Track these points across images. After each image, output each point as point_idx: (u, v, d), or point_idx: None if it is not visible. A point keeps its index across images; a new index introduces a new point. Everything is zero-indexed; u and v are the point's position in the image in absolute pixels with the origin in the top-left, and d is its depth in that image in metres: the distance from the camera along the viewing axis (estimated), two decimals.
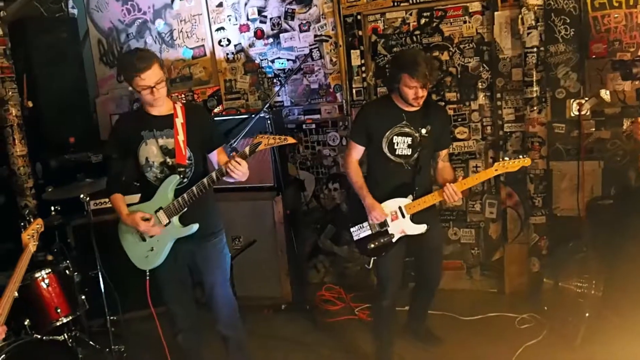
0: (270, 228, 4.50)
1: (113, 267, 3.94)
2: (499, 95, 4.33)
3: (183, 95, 5.18)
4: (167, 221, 3.02)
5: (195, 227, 3.01)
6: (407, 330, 3.91)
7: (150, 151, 3.01)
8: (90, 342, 3.96)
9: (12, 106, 4.54)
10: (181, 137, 2.97)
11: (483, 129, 4.49)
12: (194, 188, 2.94)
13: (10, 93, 4.53)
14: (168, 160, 3.00)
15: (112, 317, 3.87)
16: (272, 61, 4.90)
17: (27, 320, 3.30)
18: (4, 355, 2.83)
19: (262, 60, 4.93)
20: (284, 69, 4.88)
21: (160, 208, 3.02)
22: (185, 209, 3.00)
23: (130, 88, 2.92)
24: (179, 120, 2.99)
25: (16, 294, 2.64)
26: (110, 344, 3.83)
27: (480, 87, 4.43)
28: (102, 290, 3.82)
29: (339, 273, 5.05)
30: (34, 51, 4.88)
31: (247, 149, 2.80)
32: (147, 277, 3.13)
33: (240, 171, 2.82)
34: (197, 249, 3.10)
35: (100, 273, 3.81)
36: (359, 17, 4.55)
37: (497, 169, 3.18)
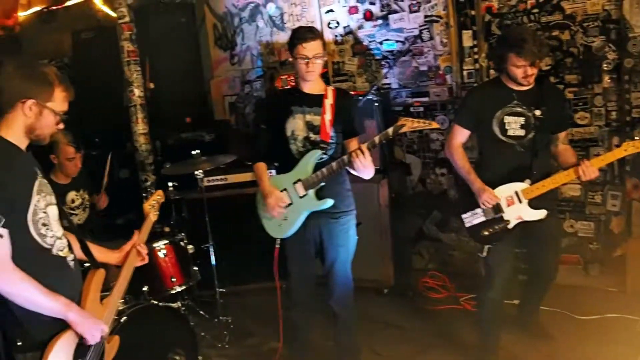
0: (375, 211, 4.58)
1: (223, 241, 4.26)
2: (627, 77, 4.11)
3: (292, 78, 5.36)
4: (304, 193, 3.20)
5: (329, 202, 3.18)
6: (517, 324, 3.82)
7: (297, 125, 3.25)
8: (200, 311, 4.32)
9: (136, 87, 4.96)
10: (328, 116, 3.20)
11: (607, 114, 4.28)
12: (333, 164, 3.12)
13: (134, 75, 4.95)
14: (311, 135, 3.22)
15: (221, 289, 4.17)
16: (381, 43, 4.97)
17: (146, 287, 3.60)
18: (125, 317, 3.11)
19: (370, 42, 5.01)
20: (392, 51, 4.93)
21: (299, 180, 3.20)
22: (323, 184, 3.19)
23: (290, 58, 3.24)
24: (328, 102, 3.21)
25: None
26: (218, 314, 4.15)
27: (605, 68, 4.22)
28: (213, 262, 4.10)
29: (444, 260, 5.05)
30: (155, 36, 5.28)
31: (389, 130, 2.95)
32: (277, 246, 3.35)
33: (361, 162, 2.97)
34: (325, 224, 3.28)
35: (211, 246, 4.10)
36: None
37: (626, 149, 3.06)
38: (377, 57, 5.00)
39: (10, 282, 2.05)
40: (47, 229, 2.23)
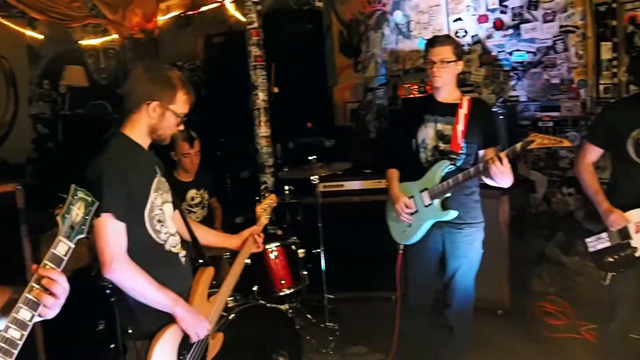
0: (493, 228, 4.39)
1: (336, 248, 4.32)
2: None
3: (416, 87, 5.34)
4: (429, 202, 3.23)
5: (453, 213, 3.19)
6: None
7: (427, 133, 3.29)
8: (308, 315, 4.40)
9: (260, 91, 5.15)
10: (460, 126, 3.19)
11: None
12: (459, 175, 3.11)
13: (259, 79, 5.14)
14: (441, 145, 3.25)
15: (329, 295, 4.23)
16: (510, 53, 4.80)
17: (255, 287, 3.71)
18: (233, 315, 3.22)
19: (499, 52, 4.86)
20: (522, 62, 4.75)
21: (426, 189, 3.24)
22: (448, 194, 3.20)
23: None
24: (462, 111, 3.21)
25: (248, 260, 3.03)
26: (325, 320, 4.20)
27: None
28: (323, 268, 4.18)
29: (566, 285, 4.77)
30: (282, 41, 5.46)
31: (517, 145, 2.89)
32: (400, 252, 3.43)
33: (498, 169, 2.89)
34: (448, 234, 3.29)
35: (322, 252, 4.17)
36: (614, 4, 4.23)
37: None
38: (506, 68, 4.84)
39: (124, 274, 2.18)
40: (162, 225, 2.35)
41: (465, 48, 5.03)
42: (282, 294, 3.94)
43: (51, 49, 6.65)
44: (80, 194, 1.54)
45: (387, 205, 3.48)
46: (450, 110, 3.24)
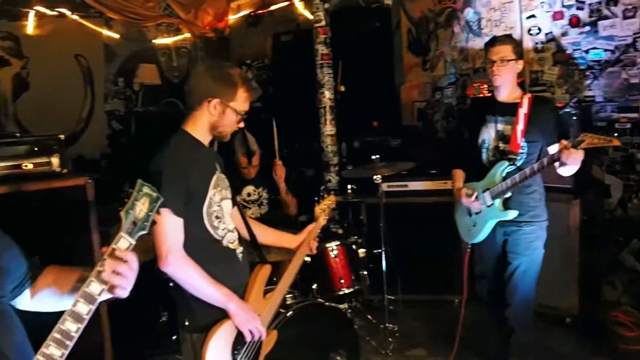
0: (563, 233, 4.30)
1: (398, 248, 4.30)
2: None
3: (485, 86, 5.23)
4: (491, 202, 3.30)
5: (512, 213, 3.25)
6: None
7: (488, 134, 3.36)
8: (368, 316, 4.41)
9: (326, 90, 5.21)
10: (520, 126, 3.22)
11: None
12: (516, 175, 3.15)
13: (326, 78, 5.20)
14: (501, 145, 3.30)
15: (390, 296, 4.23)
16: (586, 51, 4.62)
17: (315, 285, 3.76)
18: (291, 312, 3.26)
19: (574, 50, 4.69)
20: (599, 60, 4.56)
21: (488, 189, 3.30)
22: (509, 195, 3.25)
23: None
24: (523, 111, 3.23)
25: (308, 258, 3.06)
26: (385, 321, 4.19)
27: None
28: (384, 269, 4.17)
29: None
30: (350, 39, 5.48)
31: (569, 144, 2.87)
32: (468, 250, 3.54)
33: (573, 157, 2.84)
34: (510, 232, 3.35)
35: (384, 252, 4.16)
36: None
37: None
38: (581, 67, 4.67)
39: (179, 268, 2.25)
40: (220, 221, 2.40)
41: (539, 46, 4.89)
42: (341, 293, 3.95)
43: (126, 48, 6.91)
44: (146, 189, 1.57)
45: (455, 205, 3.59)
46: (510, 109, 3.27)
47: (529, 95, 3.31)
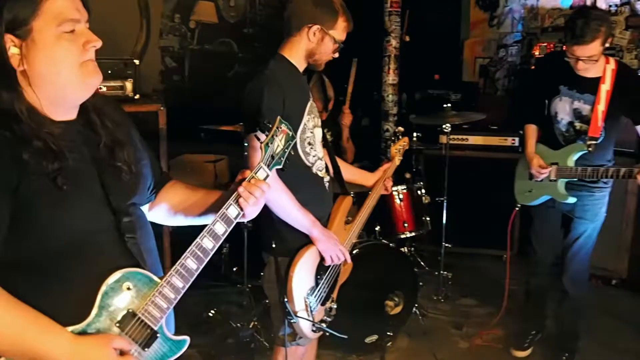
0: (620, 196, 4.45)
1: (455, 201, 4.51)
2: None
3: (552, 46, 5.36)
4: (555, 179, 3.27)
5: (572, 199, 3.25)
6: None
7: (562, 108, 3.24)
8: (422, 263, 4.68)
9: (393, 38, 5.35)
10: (602, 107, 3.07)
11: None
12: (588, 169, 3.11)
13: (393, 26, 5.34)
14: (577, 123, 3.21)
15: (447, 244, 4.48)
16: None
17: (378, 226, 3.97)
18: (357, 250, 3.46)
19: None
20: None
21: (556, 163, 3.25)
22: (575, 179, 3.22)
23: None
24: (605, 87, 3.06)
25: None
26: (441, 268, 4.47)
27: None
28: (444, 217, 4.41)
29: None
30: None
31: None
32: (516, 208, 3.55)
33: None
34: (581, 196, 3.29)
35: (445, 201, 4.40)
36: None
37: None
38: None
39: (273, 190, 2.21)
40: (312, 148, 2.50)
41: (613, 9, 5.00)
42: (403, 236, 4.14)
43: None
44: (284, 127, 1.65)
45: (520, 159, 3.54)
46: (590, 86, 3.09)
47: (613, 64, 3.05)
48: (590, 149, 3.12)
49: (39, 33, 1.32)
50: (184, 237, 1.62)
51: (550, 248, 3.54)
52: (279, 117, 1.68)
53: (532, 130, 3.41)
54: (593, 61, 2.97)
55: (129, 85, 3.53)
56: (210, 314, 3.98)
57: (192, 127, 5.39)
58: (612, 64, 3.06)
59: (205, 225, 1.53)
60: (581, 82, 3.10)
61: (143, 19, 7.08)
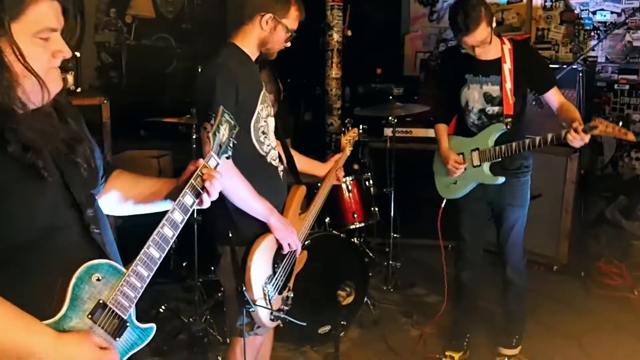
0: (559, 185, 4.63)
1: (397, 193, 4.56)
2: None
3: None
4: (478, 164, 3.26)
5: (500, 179, 3.22)
6: None
7: (472, 96, 3.24)
8: (370, 254, 4.74)
9: (335, 32, 5.39)
10: (509, 84, 3.11)
11: None
12: (513, 144, 3.10)
13: (335, 20, 5.38)
14: (488, 108, 3.21)
15: (395, 235, 4.57)
16: (594, 12, 4.96)
17: (328, 218, 3.99)
18: (308, 241, 3.42)
19: (582, 10, 5.02)
20: (605, 22, 4.91)
21: (477, 149, 3.25)
22: (499, 160, 3.21)
23: None
24: (507, 66, 3.11)
25: None
26: (389, 258, 4.54)
27: None
28: (392, 208, 4.48)
29: (623, 249, 4.99)
30: None
31: (580, 128, 2.83)
32: (442, 206, 3.49)
33: (579, 140, 2.85)
34: (507, 184, 3.25)
35: (392, 192, 4.47)
36: None
37: None
38: (587, 28, 5.01)
39: (230, 178, 2.26)
40: (266, 137, 2.50)
41: (548, 4, 5.20)
42: (352, 227, 4.17)
43: None
44: (226, 117, 1.71)
45: (436, 157, 3.54)
46: (493, 68, 3.13)
47: (508, 44, 3.14)
48: (508, 126, 3.15)
49: (16, 35, 1.30)
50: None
51: (480, 238, 3.54)
52: (221, 107, 1.72)
53: (442, 129, 3.45)
54: (487, 43, 3.04)
55: (70, 78, 3.44)
56: (160, 310, 3.90)
57: (131, 124, 5.29)
58: (507, 44, 3.16)
59: (156, 215, 1.57)
60: (484, 66, 3.15)
61: (76, 12, 6.90)
